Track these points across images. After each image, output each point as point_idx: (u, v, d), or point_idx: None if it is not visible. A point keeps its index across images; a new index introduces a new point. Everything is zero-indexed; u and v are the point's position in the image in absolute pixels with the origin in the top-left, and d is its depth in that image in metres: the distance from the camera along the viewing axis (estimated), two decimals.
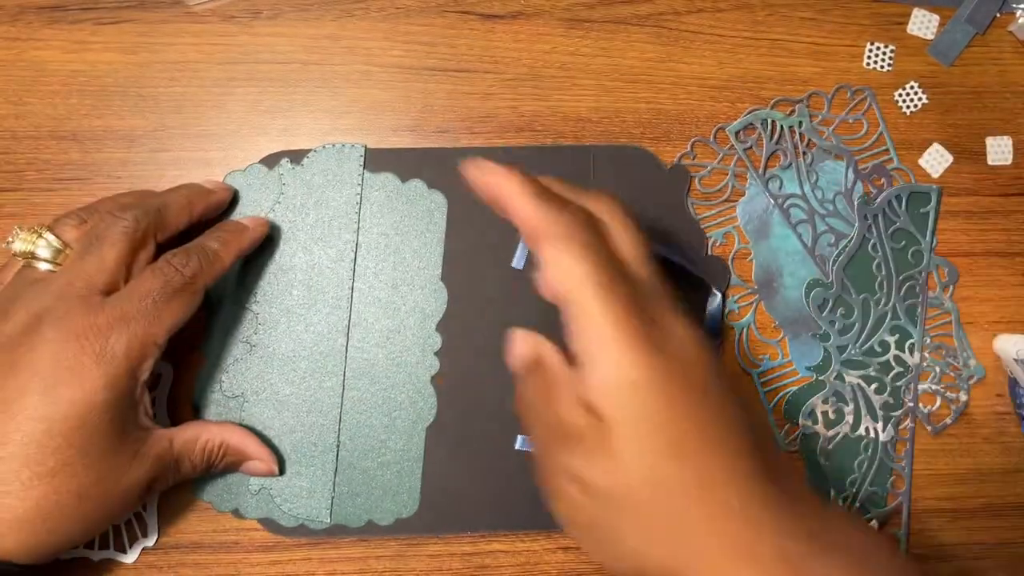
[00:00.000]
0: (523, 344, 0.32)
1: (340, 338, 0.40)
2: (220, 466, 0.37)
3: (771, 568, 0.25)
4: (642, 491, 0.26)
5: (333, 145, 0.41)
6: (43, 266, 0.34)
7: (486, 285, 0.41)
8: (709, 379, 0.28)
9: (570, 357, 0.29)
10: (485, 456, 0.40)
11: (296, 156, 0.41)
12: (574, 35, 0.43)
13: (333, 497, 0.39)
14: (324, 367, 0.40)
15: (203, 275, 0.35)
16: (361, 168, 0.41)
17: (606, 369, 0.27)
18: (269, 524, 0.39)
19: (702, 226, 0.42)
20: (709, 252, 0.42)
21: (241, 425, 0.38)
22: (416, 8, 0.42)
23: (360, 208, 0.40)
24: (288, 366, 0.40)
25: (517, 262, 0.41)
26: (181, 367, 0.40)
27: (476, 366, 0.40)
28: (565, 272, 0.28)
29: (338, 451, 0.39)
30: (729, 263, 0.42)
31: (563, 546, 0.41)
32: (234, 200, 0.40)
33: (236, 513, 0.39)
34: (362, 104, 0.42)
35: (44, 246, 0.34)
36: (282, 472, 0.39)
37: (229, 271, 0.37)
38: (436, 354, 0.40)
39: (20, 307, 0.32)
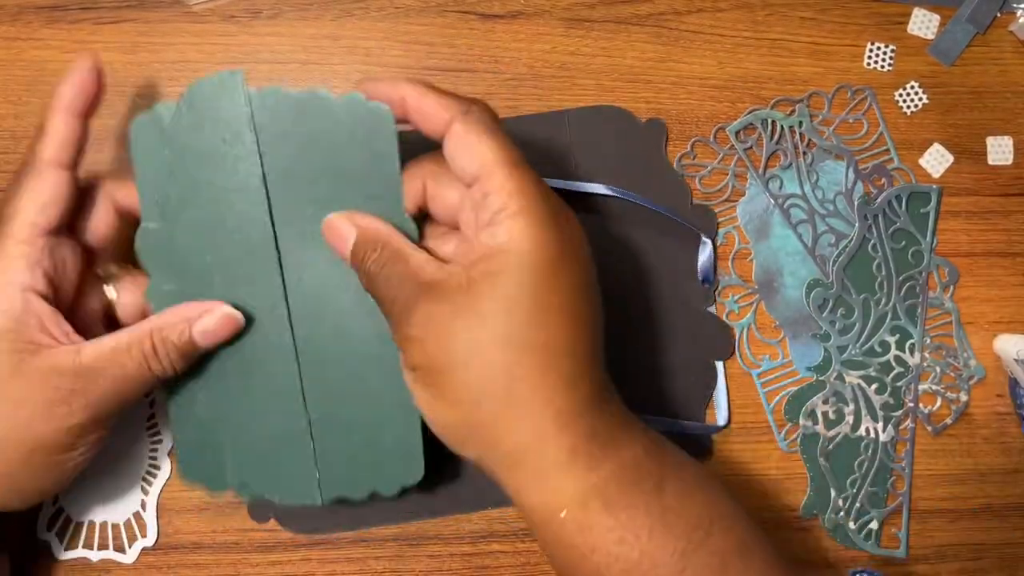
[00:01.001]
0: (346, 224, 0.32)
1: (274, 299, 0.34)
2: (173, 354, 0.32)
3: (581, 440, 0.29)
4: (494, 342, 0.28)
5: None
6: None
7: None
8: (589, 269, 0.31)
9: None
10: None
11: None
12: (574, 35, 0.43)
13: (319, 472, 0.35)
14: (264, 331, 0.34)
15: (35, 151, 0.32)
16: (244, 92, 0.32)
17: (509, 232, 0.29)
18: (257, 511, 0.39)
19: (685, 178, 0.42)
20: (693, 202, 0.42)
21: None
22: (416, 8, 0.42)
23: (257, 135, 0.32)
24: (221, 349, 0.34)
25: None
26: None
27: None
28: (478, 151, 0.29)
29: (310, 422, 0.35)
30: (730, 262, 0.42)
31: None
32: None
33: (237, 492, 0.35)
34: None
35: None
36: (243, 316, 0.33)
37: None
38: None
39: None
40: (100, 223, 0.34)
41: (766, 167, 0.43)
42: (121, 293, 0.35)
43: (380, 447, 0.35)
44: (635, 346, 0.41)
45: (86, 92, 0.32)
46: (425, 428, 0.33)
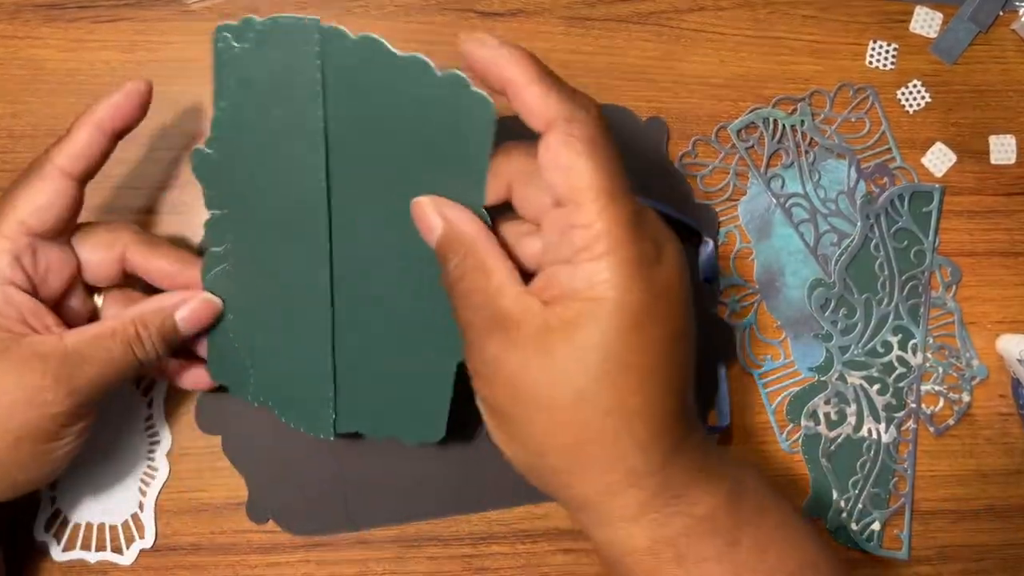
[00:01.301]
0: (435, 215, 0.29)
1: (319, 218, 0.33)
2: (155, 339, 0.33)
3: (653, 495, 0.27)
4: (565, 397, 0.26)
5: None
6: None
7: None
8: (682, 316, 0.28)
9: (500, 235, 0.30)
10: None
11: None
12: (575, 33, 0.42)
13: (335, 414, 0.36)
14: (303, 272, 0.34)
15: (48, 155, 0.32)
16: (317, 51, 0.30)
17: (590, 279, 0.26)
18: (256, 512, 0.39)
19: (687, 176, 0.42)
20: (694, 201, 0.42)
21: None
22: (415, 6, 0.42)
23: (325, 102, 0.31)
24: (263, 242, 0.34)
25: None
26: None
27: None
28: (573, 172, 0.26)
29: (335, 367, 0.35)
30: (731, 262, 0.42)
31: (564, 548, 0.41)
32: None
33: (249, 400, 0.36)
34: None
35: None
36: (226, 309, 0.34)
37: None
38: None
39: None
40: (103, 266, 0.34)
41: (768, 166, 0.43)
42: (107, 304, 0.35)
43: (406, 400, 0.35)
44: None
45: (121, 113, 0.32)
46: (455, 395, 0.34)
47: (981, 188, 0.44)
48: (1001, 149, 0.44)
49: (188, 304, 0.34)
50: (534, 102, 0.26)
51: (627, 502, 0.27)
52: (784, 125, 0.43)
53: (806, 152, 0.43)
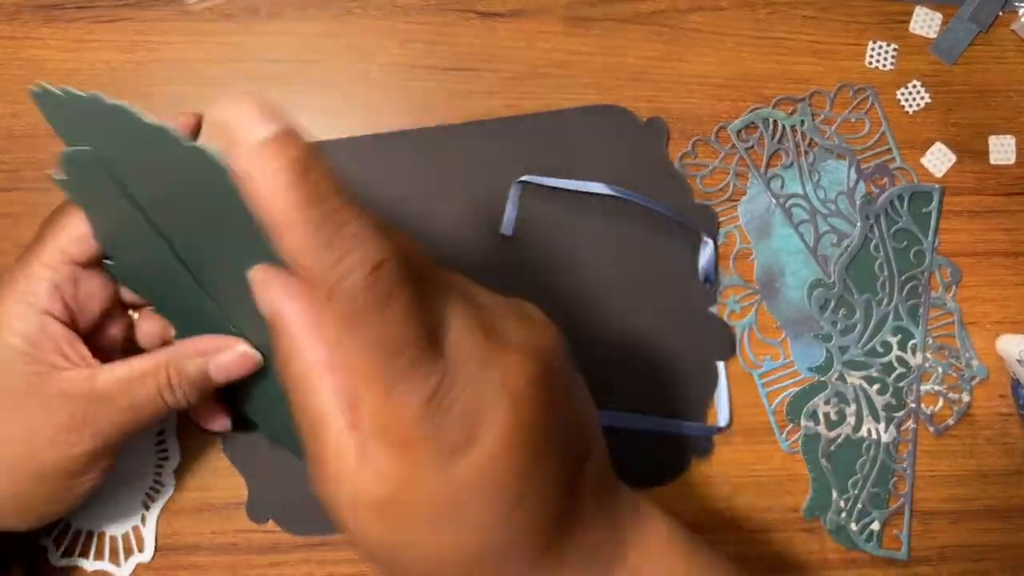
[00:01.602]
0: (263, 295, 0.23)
1: None
2: (186, 386, 0.31)
3: None
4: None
5: None
6: None
7: (470, 253, 0.40)
8: (504, 502, 0.22)
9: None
10: None
11: None
12: (575, 33, 0.42)
13: None
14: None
15: None
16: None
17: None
18: (256, 512, 0.39)
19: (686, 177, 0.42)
20: (694, 201, 0.42)
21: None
22: (415, 6, 0.42)
23: None
24: None
25: (506, 228, 0.40)
26: None
27: None
28: (328, 377, 0.21)
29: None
30: (731, 262, 0.42)
31: None
32: None
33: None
34: (361, 103, 0.42)
35: None
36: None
37: None
38: None
39: None
40: None
41: (768, 166, 0.43)
42: (142, 319, 0.35)
43: None
44: (636, 346, 0.41)
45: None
46: None
47: (981, 188, 0.44)
48: (1001, 149, 0.44)
49: (223, 354, 0.31)
50: (295, 250, 0.20)
51: None
52: (784, 125, 0.43)
53: (806, 152, 0.43)
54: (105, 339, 0.34)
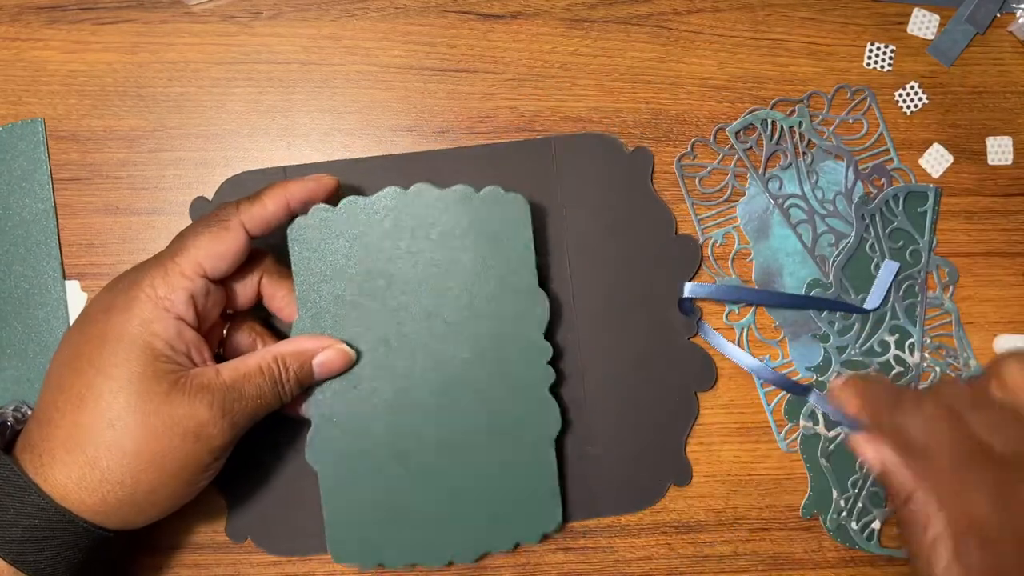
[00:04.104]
0: (874, 453, 0.33)
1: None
2: (292, 381, 0.35)
3: None
4: None
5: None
6: None
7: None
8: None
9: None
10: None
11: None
12: (574, 35, 0.43)
13: (459, 540, 0.38)
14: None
15: (238, 211, 0.34)
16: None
17: None
18: (234, 531, 0.40)
19: (673, 211, 0.42)
20: (677, 232, 0.42)
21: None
22: (416, 8, 0.42)
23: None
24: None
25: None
26: None
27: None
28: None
29: (449, 496, 0.38)
30: (729, 262, 0.42)
31: (563, 547, 0.41)
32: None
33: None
34: (362, 104, 0.42)
35: None
36: (359, 360, 0.37)
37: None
38: (549, 363, 0.38)
39: None
40: (246, 291, 0.37)
41: (766, 167, 0.43)
42: (232, 330, 0.37)
43: (518, 503, 0.38)
44: (616, 374, 0.41)
45: (308, 196, 0.36)
46: (560, 477, 0.39)
47: (978, 189, 0.44)
48: (998, 150, 0.44)
49: (327, 351, 0.36)
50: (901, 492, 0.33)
51: None
52: (782, 126, 0.43)
53: (804, 153, 0.43)
54: (210, 346, 0.36)
